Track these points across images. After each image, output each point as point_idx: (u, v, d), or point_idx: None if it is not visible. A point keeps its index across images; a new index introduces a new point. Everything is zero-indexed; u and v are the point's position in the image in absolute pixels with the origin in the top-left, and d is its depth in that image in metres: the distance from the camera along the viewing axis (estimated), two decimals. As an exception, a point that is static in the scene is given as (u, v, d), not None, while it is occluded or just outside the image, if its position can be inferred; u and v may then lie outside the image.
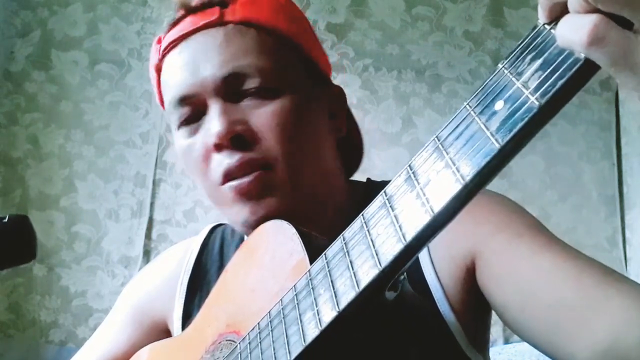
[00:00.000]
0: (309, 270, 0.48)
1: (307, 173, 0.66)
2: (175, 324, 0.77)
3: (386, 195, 0.42)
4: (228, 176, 0.64)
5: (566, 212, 2.02)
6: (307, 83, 0.69)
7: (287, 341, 0.46)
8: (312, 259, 0.49)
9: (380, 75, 2.08)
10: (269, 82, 0.65)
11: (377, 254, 0.40)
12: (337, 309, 0.42)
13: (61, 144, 2.02)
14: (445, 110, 2.05)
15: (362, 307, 0.41)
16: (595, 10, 0.31)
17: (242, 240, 0.78)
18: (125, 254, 1.97)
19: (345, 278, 0.42)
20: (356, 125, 0.78)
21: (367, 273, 0.40)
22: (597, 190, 2.04)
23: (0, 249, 0.58)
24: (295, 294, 0.48)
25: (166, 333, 0.79)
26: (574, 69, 0.32)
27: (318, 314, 0.43)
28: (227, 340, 0.59)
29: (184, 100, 0.66)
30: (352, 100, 1.98)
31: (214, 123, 0.63)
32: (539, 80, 0.33)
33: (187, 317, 0.75)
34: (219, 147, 0.63)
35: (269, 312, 0.51)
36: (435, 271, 0.63)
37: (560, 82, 0.32)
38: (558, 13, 0.33)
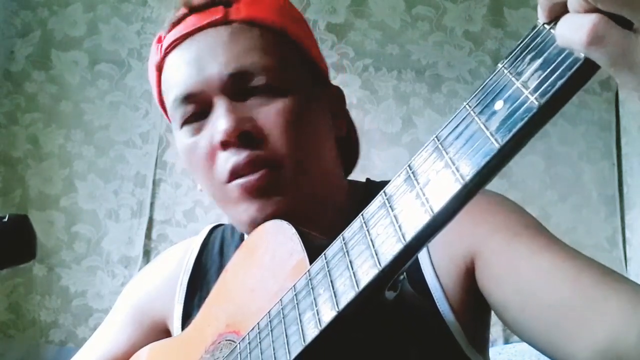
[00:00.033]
0: (308, 270, 0.48)
1: (312, 173, 0.67)
2: (175, 324, 0.77)
3: (386, 195, 0.42)
4: (235, 174, 0.63)
5: (566, 212, 2.02)
6: (309, 83, 0.70)
7: (287, 341, 0.46)
8: (312, 259, 0.49)
9: (380, 75, 2.08)
10: (274, 80, 0.65)
11: (376, 254, 0.40)
12: (337, 309, 0.42)
13: (61, 144, 2.02)
14: (445, 110, 2.05)
15: (361, 307, 0.41)
16: (594, 10, 0.30)
17: (242, 240, 0.78)
18: (125, 254, 1.97)
19: (345, 278, 0.42)
20: (353, 125, 0.78)
21: (367, 273, 0.40)
22: (597, 190, 2.04)
23: (0, 248, 0.58)
24: (295, 294, 0.48)
25: (166, 333, 0.79)
26: (573, 69, 0.32)
27: (318, 314, 0.43)
28: (226, 340, 0.59)
29: (188, 98, 0.66)
30: (352, 100, 1.99)
31: (220, 120, 0.63)
32: (538, 80, 0.33)
33: (187, 317, 0.75)
34: (225, 145, 0.63)
35: (268, 312, 0.51)
36: (435, 271, 0.63)
37: (559, 82, 0.32)
38: (558, 13, 0.33)
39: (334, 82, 0.77)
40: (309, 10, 2.07)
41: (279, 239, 0.57)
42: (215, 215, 1.94)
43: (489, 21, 2.12)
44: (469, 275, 0.61)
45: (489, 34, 2.11)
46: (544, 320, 0.53)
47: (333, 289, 0.43)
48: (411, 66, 2.09)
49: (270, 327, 0.50)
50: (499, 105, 0.35)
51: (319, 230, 0.56)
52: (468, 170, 0.35)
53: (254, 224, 0.63)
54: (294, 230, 0.55)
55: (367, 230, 0.42)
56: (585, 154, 2.06)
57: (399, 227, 0.39)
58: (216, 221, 0.87)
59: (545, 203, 2.01)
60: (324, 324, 0.42)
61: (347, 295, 0.41)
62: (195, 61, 0.65)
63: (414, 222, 0.38)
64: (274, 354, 0.47)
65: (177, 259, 0.82)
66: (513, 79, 0.35)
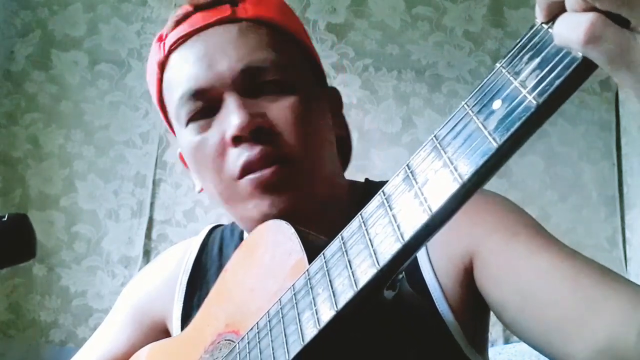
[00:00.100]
0: (307, 270, 0.48)
1: (320, 170, 0.67)
2: (175, 324, 0.77)
3: (384, 195, 0.42)
4: (247, 169, 0.63)
5: (566, 212, 2.02)
6: (312, 82, 0.71)
7: (286, 341, 0.46)
8: (311, 258, 0.49)
9: (380, 75, 2.08)
10: (284, 77, 0.65)
11: (375, 253, 0.40)
12: (336, 308, 0.42)
13: (61, 144, 2.02)
14: (445, 110, 2.05)
15: (360, 306, 0.41)
16: (592, 9, 0.31)
17: (241, 240, 0.78)
18: (125, 254, 1.97)
19: (344, 277, 0.42)
20: (347, 126, 0.79)
21: (366, 272, 0.40)
22: (597, 190, 2.04)
23: (0, 247, 0.58)
24: (294, 294, 0.48)
25: (166, 333, 0.79)
26: (571, 68, 0.32)
27: (316, 314, 0.43)
28: (226, 340, 0.59)
29: (197, 94, 0.65)
30: (352, 100, 1.99)
31: (233, 115, 0.62)
32: (536, 80, 0.33)
33: (187, 317, 0.75)
34: (237, 140, 0.63)
35: (267, 312, 0.51)
36: (434, 271, 0.63)
37: (557, 81, 0.32)
38: (555, 12, 0.33)
39: (334, 82, 0.77)
40: (309, 10, 2.07)
41: (278, 239, 0.57)
42: (216, 215, 1.94)
43: (489, 21, 2.12)
44: (468, 275, 0.61)
45: (489, 34, 2.11)
46: (543, 321, 0.53)
47: (332, 288, 0.43)
48: (411, 66, 2.09)
49: (269, 326, 0.50)
50: (497, 104, 0.35)
51: (319, 230, 0.56)
52: (466, 169, 0.35)
53: (265, 219, 0.62)
54: (293, 230, 0.55)
55: (366, 230, 0.42)
56: (585, 154, 2.06)
57: (398, 226, 0.39)
58: (216, 221, 0.87)
59: (545, 203, 2.01)
60: (322, 324, 0.42)
61: (345, 294, 0.41)
62: (204, 57, 0.65)
63: (413, 222, 0.38)
64: (273, 353, 0.47)
65: (176, 259, 0.82)
66: (511, 78, 0.35)
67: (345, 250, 0.43)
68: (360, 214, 0.44)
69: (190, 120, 0.67)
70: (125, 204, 2.00)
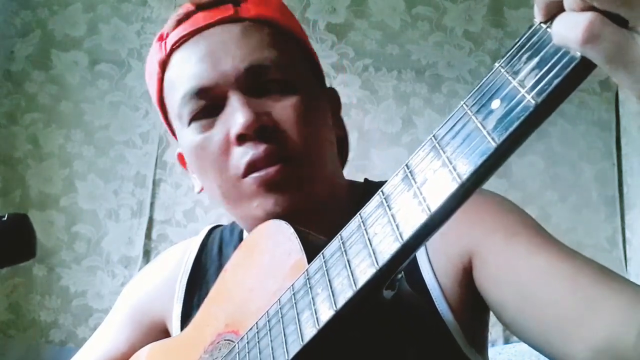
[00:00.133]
0: (306, 270, 0.48)
1: (323, 169, 0.67)
2: (174, 324, 0.77)
3: (383, 195, 0.42)
4: (252, 167, 0.63)
5: (566, 212, 2.02)
6: (313, 82, 0.71)
7: (285, 340, 0.46)
8: (310, 258, 0.49)
9: (380, 75, 2.08)
10: (287, 76, 0.66)
11: (374, 253, 0.40)
12: (335, 308, 0.42)
13: (61, 144, 2.02)
14: (445, 110, 2.05)
15: (359, 306, 0.41)
16: (590, 8, 0.31)
17: (240, 240, 0.78)
18: (125, 254, 1.97)
19: (343, 277, 0.42)
20: (345, 127, 0.79)
21: (365, 272, 0.40)
22: (597, 191, 2.04)
23: (0, 247, 0.58)
24: (293, 294, 0.48)
25: (165, 333, 0.79)
26: (569, 68, 0.32)
27: (316, 313, 0.43)
28: (225, 340, 0.59)
29: (201, 92, 0.65)
30: (352, 100, 1.99)
31: (238, 114, 0.62)
32: (535, 79, 0.33)
33: (186, 317, 0.75)
34: (242, 139, 0.63)
35: (267, 312, 0.51)
36: (433, 270, 0.63)
37: (556, 81, 0.32)
38: (554, 12, 0.33)
39: (334, 82, 0.77)
40: (309, 10, 2.07)
41: (278, 239, 0.57)
42: (216, 215, 1.94)
43: (489, 21, 2.12)
44: (467, 275, 0.61)
45: (489, 34, 2.11)
46: (543, 320, 0.53)
47: (331, 288, 0.43)
48: (411, 66, 2.09)
49: (269, 326, 0.50)
50: (495, 104, 0.35)
51: (319, 230, 0.56)
52: (465, 169, 0.35)
53: (269, 218, 0.62)
54: (292, 230, 0.55)
55: (365, 230, 0.42)
56: (585, 154, 2.05)
57: (397, 226, 0.39)
58: (216, 221, 0.87)
59: (545, 203, 2.01)
60: (321, 323, 0.42)
61: (344, 294, 0.41)
62: (208, 56, 0.65)
63: (411, 221, 0.38)
64: (272, 353, 0.47)
65: (176, 259, 0.82)
66: (510, 77, 0.35)
67: (345, 250, 0.43)
68: (360, 214, 0.44)
69: (193, 119, 0.66)
70: (125, 204, 2.00)
